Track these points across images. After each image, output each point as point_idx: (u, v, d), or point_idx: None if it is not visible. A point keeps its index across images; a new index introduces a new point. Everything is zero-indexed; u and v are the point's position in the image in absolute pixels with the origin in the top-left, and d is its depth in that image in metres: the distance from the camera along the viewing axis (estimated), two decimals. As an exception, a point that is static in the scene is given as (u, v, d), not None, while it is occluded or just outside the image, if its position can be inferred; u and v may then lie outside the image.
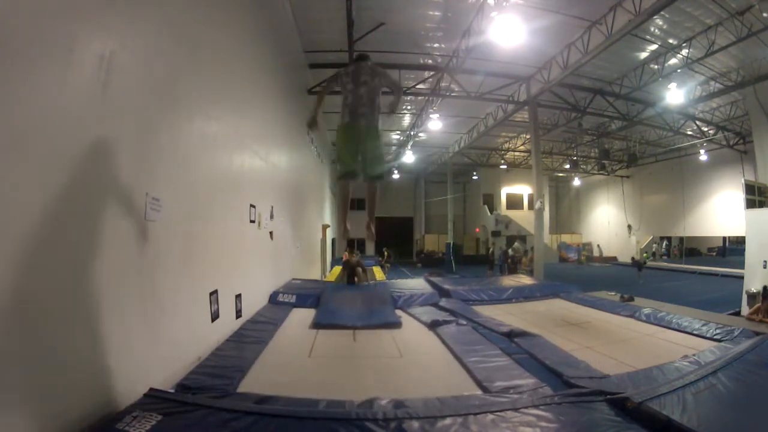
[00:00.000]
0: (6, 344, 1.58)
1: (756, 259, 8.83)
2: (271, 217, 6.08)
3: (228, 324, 4.06)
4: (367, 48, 8.86)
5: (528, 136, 16.73)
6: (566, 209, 29.09)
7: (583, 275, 15.75)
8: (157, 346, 2.71)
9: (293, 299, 6.02)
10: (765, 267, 8.53)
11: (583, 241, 25.92)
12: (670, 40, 9.15)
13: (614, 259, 23.04)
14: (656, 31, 8.88)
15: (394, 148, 20.34)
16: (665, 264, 19.95)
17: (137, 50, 2.49)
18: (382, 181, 2.89)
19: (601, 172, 22.95)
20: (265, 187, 5.84)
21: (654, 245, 22.89)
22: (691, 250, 23.24)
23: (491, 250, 19.05)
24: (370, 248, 21.22)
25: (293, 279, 7.70)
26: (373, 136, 2.74)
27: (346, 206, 3.10)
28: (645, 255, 22.05)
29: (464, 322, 4.86)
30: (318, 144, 12.79)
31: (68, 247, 1.93)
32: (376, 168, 2.77)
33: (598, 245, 24.21)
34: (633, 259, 16.02)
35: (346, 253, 13.66)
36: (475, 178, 25.27)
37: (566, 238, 26.46)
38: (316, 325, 4.82)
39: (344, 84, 2.89)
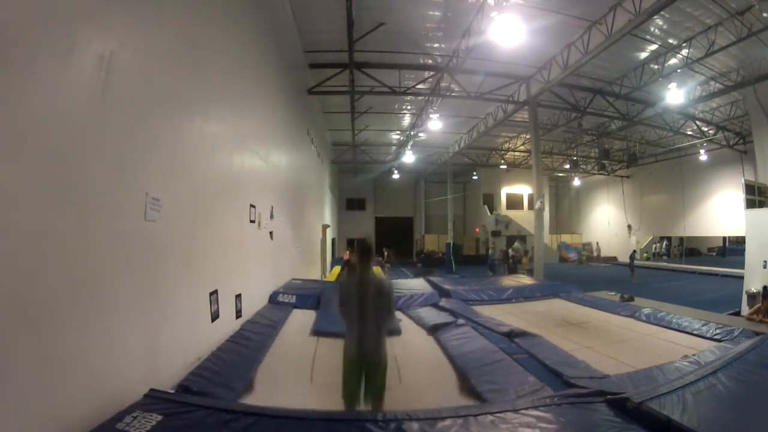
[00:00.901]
0: (6, 344, 1.58)
1: (756, 259, 8.83)
2: (271, 217, 6.08)
3: (228, 324, 4.06)
4: (367, 48, 8.89)
5: (528, 136, 16.73)
6: (566, 209, 29.09)
7: (583, 275, 15.74)
8: (157, 346, 2.71)
9: (293, 299, 6.02)
10: (765, 267, 8.52)
11: (583, 241, 25.91)
12: (670, 40, 9.15)
13: (614, 259, 23.03)
14: (656, 31, 8.88)
15: (394, 148, 20.35)
16: (665, 264, 19.94)
17: (137, 50, 2.49)
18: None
19: (601, 172, 22.95)
20: (265, 187, 5.84)
21: (654, 245, 22.89)
22: (691, 250, 23.24)
23: (493, 251, 19.07)
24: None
25: (293, 279, 7.70)
26: (380, 372, 2.64)
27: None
28: (645, 255, 22.10)
29: (464, 322, 4.86)
30: (318, 144, 12.80)
31: (68, 247, 1.93)
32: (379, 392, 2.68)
33: (597, 243, 24.16)
34: (632, 256, 15.94)
35: (347, 253, 13.68)
36: (475, 178, 25.26)
37: (566, 238, 26.45)
38: (316, 333, 4.71)
39: (349, 294, 2.73)
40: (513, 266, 16.58)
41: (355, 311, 2.63)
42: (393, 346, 4.01)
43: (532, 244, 13.87)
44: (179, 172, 3.08)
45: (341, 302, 2.77)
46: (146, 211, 2.56)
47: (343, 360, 2.66)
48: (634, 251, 17.11)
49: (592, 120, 15.01)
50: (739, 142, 15.91)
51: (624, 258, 22.37)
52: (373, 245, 2.88)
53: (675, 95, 11.02)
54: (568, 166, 21.68)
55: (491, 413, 2.29)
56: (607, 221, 24.79)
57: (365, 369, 2.60)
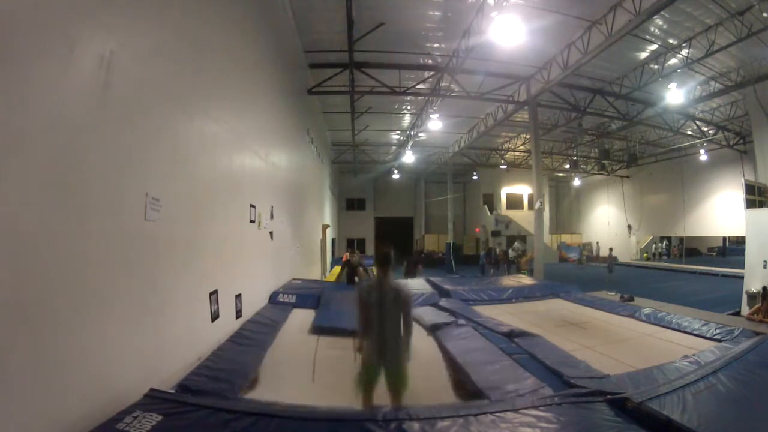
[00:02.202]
0: (6, 344, 1.58)
1: (756, 259, 8.83)
2: (271, 217, 6.08)
3: (228, 324, 4.06)
4: (367, 48, 8.89)
5: (528, 136, 16.73)
6: (566, 209, 29.06)
7: (582, 275, 15.74)
8: (157, 346, 2.71)
9: (293, 299, 6.02)
10: (765, 267, 8.52)
11: (584, 240, 25.89)
12: (670, 40, 9.15)
13: (614, 259, 23.01)
14: (656, 31, 8.87)
15: (394, 148, 20.35)
16: (665, 264, 19.93)
17: (137, 50, 2.49)
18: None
19: (601, 172, 22.94)
20: (265, 187, 5.84)
21: (654, 245, 22.88)
22: (691, 250, 23.21)
23: (488, 251, 19.11)
24: (370, 248, 21.21)
25: (293, 279, 7.70)
26: (401, 375, 2.63)
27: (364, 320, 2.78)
28: (645, 255, 22.09)
29: (464, 323, 4.86)
30: (318, 144, 12.79)
31: (68, 247, 1.93)
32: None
33: (597, 243, 24.13)
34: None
35: (347, 253, 13.69)
36: (475, 178, 25.24)
37: (566, 238, 26.44)
38: (316, 329, 4.74)
39: (367, 304, 2.69)
40: (504, 265, 16.62)
41: (375, 319, 2.63)
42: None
43: (532, 245, 13.87)
44: (179, 172, 3.08)
45: (360, 309, 2.74)
46: (146, 211, 2.56)
47: (361, 365, 2.66)
48: (611, 249, 17.43)
49: (592, 120, 15.01)
50: (739, 142, 15.90)
51: (624, 258, 22.43)
52: (391, 253, 2.82)
53: (675, 95, 11.02)
54: (568, 166, 21.67)
55: (491, 413, 2.29)
56: (607, 221, 24.77)
57: (385, 373, 2.61)
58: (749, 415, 2.34)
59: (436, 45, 9.49)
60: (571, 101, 12.29)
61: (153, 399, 2.29)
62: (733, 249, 21.17)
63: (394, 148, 20.38)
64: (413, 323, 2.83)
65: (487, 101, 12.16)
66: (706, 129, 15.59)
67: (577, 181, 26.03)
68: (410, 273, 13.13)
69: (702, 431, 2.02)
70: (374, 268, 2.94)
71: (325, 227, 15.15)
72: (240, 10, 4.74)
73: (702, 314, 5.46)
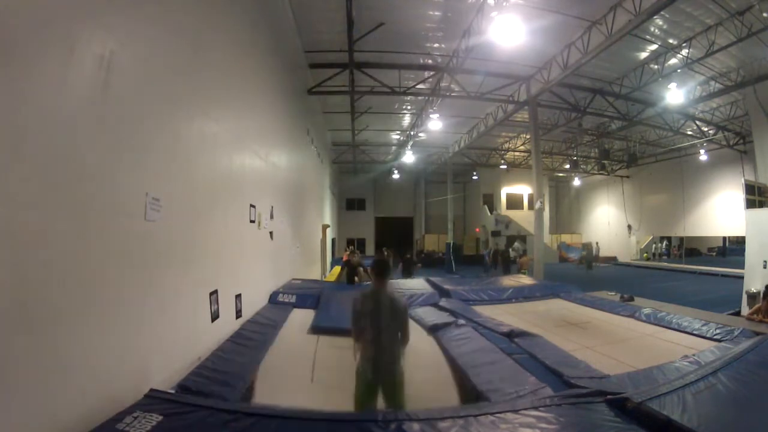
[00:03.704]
0: (6, 344, 1.58)
1: (756, 259, 8.83)
2: (271, 217, 6.08)
3: (228, 324, 4.06)
4: (367, 48, 8.89)
5: (528, 136, 16.73)
6: (566, 209, 29.07)
7: (582, 275, 15.74)
8: (157, 346, 2.71)
9: (293, 299, 6.02)
10: (765, 267, 8.52)
11: (583, 240, 25.88)
12: (670, 40, 9.15)
13: (614, 259, 23.03)
14: (656, 31, 8.87)
15: (394, 148, 20.35)
16: (665, 264, 19.93)
17: (137, 50, 2.49)
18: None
19: (601, 172, 22.95)
20: (265, 187, 5.84)
21: (654, 245, 22.88)
22: (691, 250, 23.22)
23: (493, 250, 19.12)
24: (370, 248, 21.21)
25: (293, 279, 7.69)
26: (398, 390, 2.59)
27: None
28: (645, 255, 22.09)
29: (464, 323, 4.86)
30: (318, 144, 12.80)
31: (68, 247, 1.93)
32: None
33: (597, 243, 24.14)
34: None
35: (347, 254, 13.70)
36: (475, 178, 25.24)
37: (566, 238, 26.45)
38: (315, 329, 4.74)
39: (364, 311, 2.66)
40: (505, 265, 16.64)
41: (370, 329, 2.59)
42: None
43: (532, 245, 13.89)
44: (179, 172, 3.08)
45: (355, 319, 2.70)
46: (146, 211, 2.56)
47: (356, 380, 2.62)
48: (589, 243, 17.55)
49: (592, 120, 15.01)
50: (739, 142, 15.90)
51: (624, 258, 22.44)
52: (390, 263, 2.79)
53: (675, 95, 11.02)
54: (568, 166, 21.68)
55: (491, 413, 2.29)
56: (607, 221, 24.78)
57: (381, 389, 2.58)
58: (749, 415, 2.34)
59: (436, 45, 9.49)
60: (571, 101, 12.29)
61: (153, 399, 2.29)
62: (733, 249, 21.17)
63: (394, 148, 20.38)
64: (410, 331, 2.78)
65: (487, 101, 12.16)
66: (706, 129, 15.59)
67: (577, 181, 26.03)
68: (408, 272, 13.14)
69: (702, 431, 2.02)
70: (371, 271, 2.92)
71: (325, 227, 15.15)
72: (240, 10, 4.74)
73: (702, 314, 5.46)
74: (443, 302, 6.27)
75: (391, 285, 2.83)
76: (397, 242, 24.36)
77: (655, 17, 7.46)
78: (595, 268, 18.41)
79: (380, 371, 2.57)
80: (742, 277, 9.19)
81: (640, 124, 14.80)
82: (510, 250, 18.95)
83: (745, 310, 7.35)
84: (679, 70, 10.15)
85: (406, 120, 15.96)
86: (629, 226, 22.91)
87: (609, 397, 2.47)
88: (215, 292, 3.75)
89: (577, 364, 3.44)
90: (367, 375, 2.58)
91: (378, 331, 2.58)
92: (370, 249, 23.52)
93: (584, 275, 15.74)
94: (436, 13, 8.10)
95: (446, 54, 9.78)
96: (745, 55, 9.57)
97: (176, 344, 2.98)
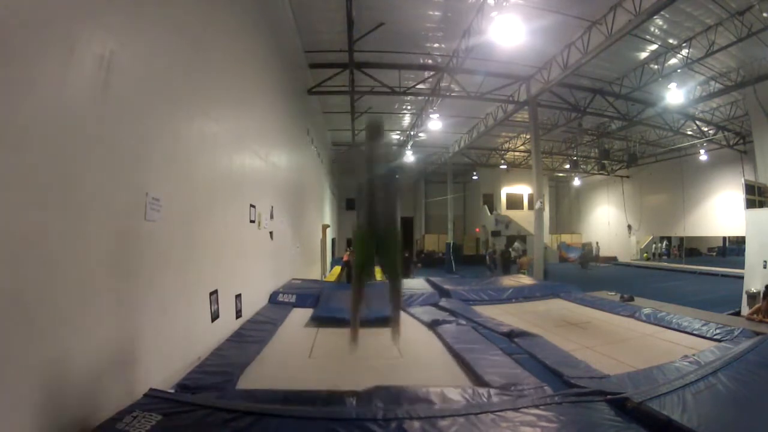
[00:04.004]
0: (6, 344, 1.58)
1: (756, 259, 8.82)
2: (271, 217, 6.08)
3: (228, 324, 4.07)
4: (367, 48, 8.89)
5: (528, 136, 16.73)
6: (566, 209, 29.06)
7: (582, 275, 15.74)
8: (157, 345, 2.71)
9: (293, 299, 6.02)
10: (765, 267, 8.52)
11: (583, 240, 25.89)
12: (670, 40, 9.15)
13: (614, 259, 23.04)
14: (656, 31, 8.87)
15: (393, 148, 20.34)
16: (665, 264, 19.92)
17: (137, 50, 2.49)
18: (399, 282, 2.78)
19: (601, 172, 22.94)
20: (265, 187, 5.84)
21: (654, 245, 22.88)
22: (691, 250, 23.21)
23: (492, 250, 19.13)
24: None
25: (293, 279, 7.70)
26: (393, 242, 2.67)
27: (357, 311, 2.93)
28: (645, 255, 22.09)
29: (464, 322, 4.86)
30: (318, 144, 12.79)
31: (68, 247, 1.93)
32: (394, 271, 2.71)
33: (597, 243, 24.14)
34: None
35: (347, 253, 13.68)
36: (475, 178, 25.24)
37: (566, 238, 26.45)
38: (315, 319, 4.86)
39: (358, 170, 2.71)
40: (506, 266, 16.66)
41: (365, 194, 2.64)
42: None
43: (532, 245, 13.89)
44: (179, 172, 3.09)
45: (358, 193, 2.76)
46: (146, 211, 2.56)
47: (354, 236, 2.69)
48: (589, 243, 17.57)
49: (592, 120, 15.01)
50: (739, 142, 15.90)
51: (624, 258, 22.44)
52: (383, 125, 2.84)
53: (675, 95, 11.03)
54: (568, 166, 21.67)
55: (492, 412, 2.29)
56: (607, 221, 24.77)
57: (378, 241, 2.60)
58: (749, 415, 2.34)
59: (436, 45, 9.49)
60: (571, 101, 12.29)
61: (153, 399, 2.29)
62: (733, 249, 21.16)
63: (393, 148, 20.37)
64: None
65: (487, 101, 12.17)
66: (706, 129, 15.59)
67: (577, 181, 26.03)
68: (407, 272, 13.15)
69: (702, 431, 2.02)
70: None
71: (325, 227, 15.15)
72: (240, 10, 4.74)
73: (702, 314, 5.45)
74: (443, 302, 6.26)
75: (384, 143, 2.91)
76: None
77: (655, 17, 7.46)
78: (592, 267, 18.42)
79: (377, 222, 2.61)
80: (742, 277, 9.18)
81: (640, 124, 14.80)
82: (510, 249, 18.93)
83: (745, 310, 7.35)
84: (679, 70, 10.15)
85: (406, 120, 15.96)
86: (629, 226, 22.91)
87: (609, 396, 2.47)
88: (215, 292, 3.75)
89: (577, 364, 3.44)
90: (362, 227, 2.63)
91: (373, 195, 2.63)
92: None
93: (583, 275, 15.75)
94: (436, 13, 8.10)
95: (446, 54, 9.78)
96: (745, 55, 9.57)
97: (176, 344, 2.99)
